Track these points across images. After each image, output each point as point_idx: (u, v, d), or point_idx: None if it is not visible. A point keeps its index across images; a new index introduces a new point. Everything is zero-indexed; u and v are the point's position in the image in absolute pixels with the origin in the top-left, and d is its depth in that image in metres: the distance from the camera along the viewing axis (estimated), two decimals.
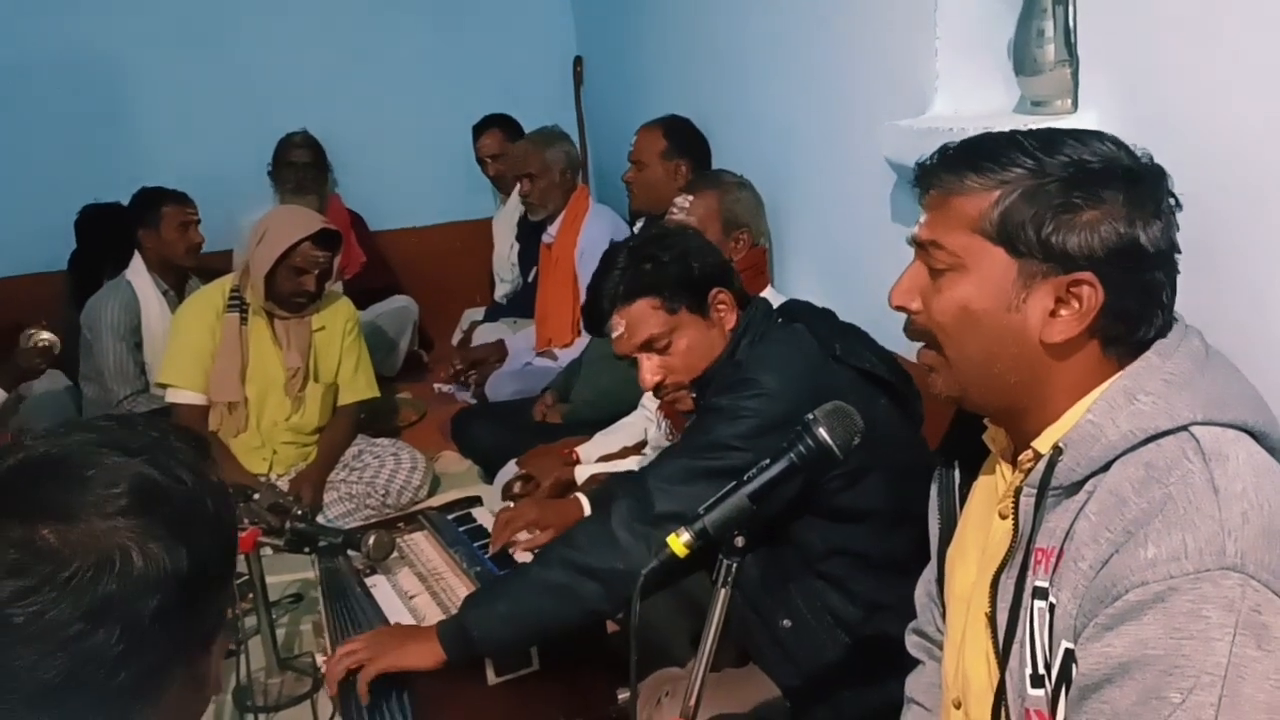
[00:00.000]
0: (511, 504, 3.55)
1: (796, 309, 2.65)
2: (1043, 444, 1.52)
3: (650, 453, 3.69)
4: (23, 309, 5.40)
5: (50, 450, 1.14)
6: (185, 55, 6.40)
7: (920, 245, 1.58)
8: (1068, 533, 1.44)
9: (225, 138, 6.40)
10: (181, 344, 4.55)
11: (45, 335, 4.48)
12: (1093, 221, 1.44)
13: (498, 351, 5.72)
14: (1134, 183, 1.46)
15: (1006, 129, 1.57)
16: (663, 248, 2.59)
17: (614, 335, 2.60)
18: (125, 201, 5.54)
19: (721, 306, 2.58)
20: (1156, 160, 1.50)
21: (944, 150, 1.57)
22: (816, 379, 2.35)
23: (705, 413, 2.48)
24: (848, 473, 2.38)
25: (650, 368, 2.59)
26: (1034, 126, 1.64)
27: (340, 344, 4.73)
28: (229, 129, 6.43)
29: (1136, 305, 1.47)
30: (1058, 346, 1.48)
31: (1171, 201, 1.48)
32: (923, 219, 1.58)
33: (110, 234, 5.55)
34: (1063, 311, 1.47)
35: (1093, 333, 1.47)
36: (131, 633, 1.10)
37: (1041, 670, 1.48)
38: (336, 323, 4.73)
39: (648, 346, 2.58)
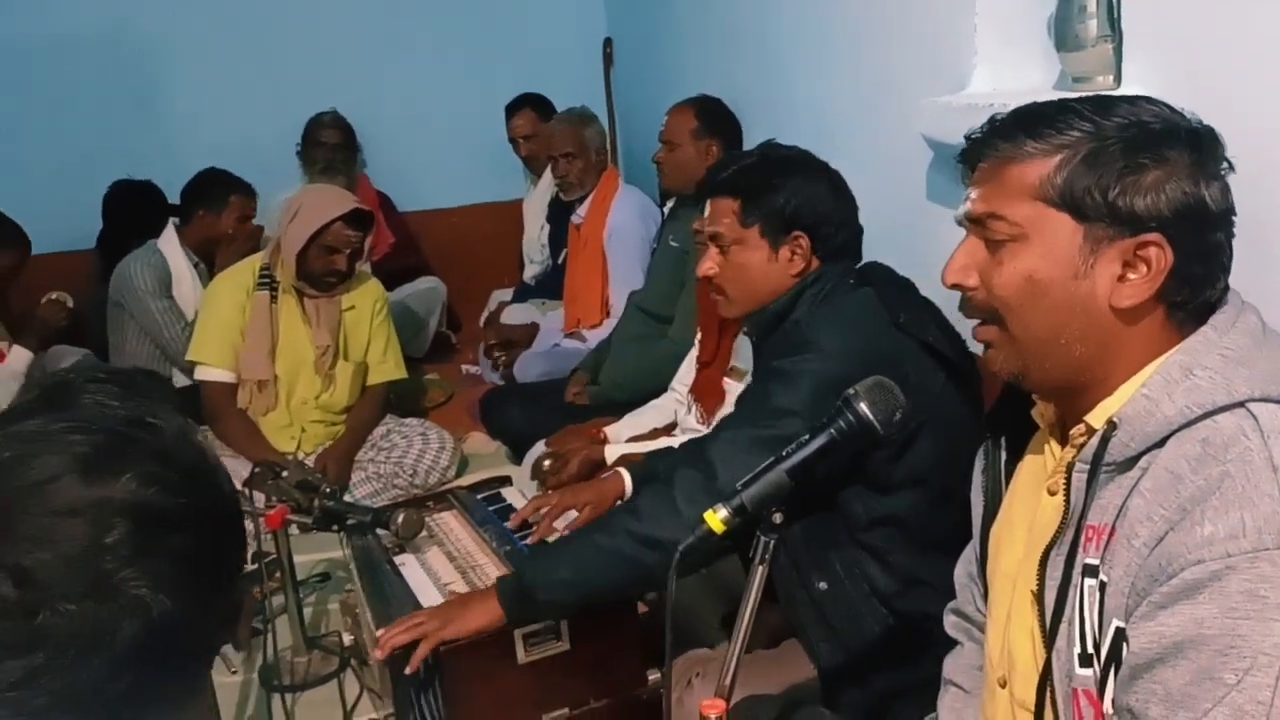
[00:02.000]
0: (543, 485, 3.53)
1: (873, 272, 2.64)
2: (1096, 419, 1.48)
3: (680, 434, 3.67)
4: (53, 284, 5.41)
5: (18, 489, 1.00)
6: (216, 34, 6.43)
7: (975, 220, 1.54)
8: (1120, 510, 1.41)
9: (255, 117, 6.40)
10: (211, 321, 4.54)
11: (61, 293, 4.83)
12: (1159, 181, 1.40)
13: (529, 333, 5.71)
14: (1196, 143, 1.42)
15: None
16: (784, 172, 2.61)
17: (701, 214, 2.71)
18: (156, 179, 5.54)
19: (796, 251, 2.58)
20: None
21: (993, 120, 1.54)
22: (876, 344, 2.35)
23: (763, 377, 2.48)
24: (898, 446, 2.36)
25: (709, 259, 2.66)
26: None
27: (370, 324, 4.72)
28: (259, 108, 6.43)
29: (1202, 267, 1.44)
30: (1126, 312, 1.44)
31: (1226, 164, 1.45)
32: (974, 193, 1.54)
33: (141, 211, 5.57)
34: (1131, 275, 1.43)
35: (1160, 297, 1.44)
36: (170, 659, 1.06)
37: (1090, 649, 1.45)
38: (366, 303, 4.71)
39: (715, 239, 2.64)
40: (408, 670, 2.42)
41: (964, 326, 1.65)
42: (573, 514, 2.92)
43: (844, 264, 2.63)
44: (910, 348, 2.38)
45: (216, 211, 5.28)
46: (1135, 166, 1.40)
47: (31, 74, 6.18)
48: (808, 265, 2.58)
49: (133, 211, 5.68)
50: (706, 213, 2.66)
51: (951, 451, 2.35)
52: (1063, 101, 1.50)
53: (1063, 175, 1.43)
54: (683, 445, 3.00)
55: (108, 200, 5.85)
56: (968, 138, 1.57)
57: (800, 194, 2.57)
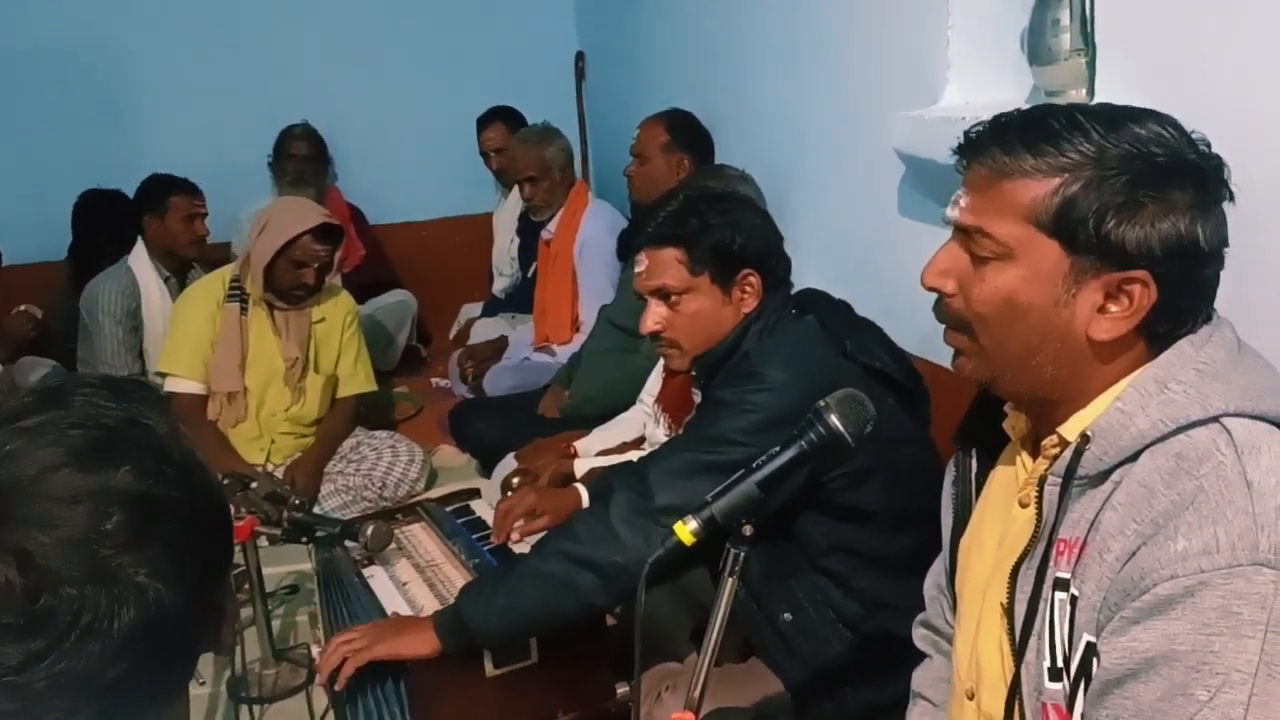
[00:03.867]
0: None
1: (812, 299, 2.62)
2: (1069, 431, 1.48)
3: (648, 448, 3.65)
4: (23, 297, 5.40)
5: (19, 478, 1.03)
6: (187, 45, 6.39)
7: (963, 230, 1.51)
8: (1093, 523, 1.40)
9: (226, 128, 6.38)
10: (181, 333, 4.50)
11: (30, 306, 4.81)
12: (1153, 217, 1.37)
13: (499, 348, 5.69)
14: (1201, 181, 1.39)
15: None
16: (717, 210, 2.55)
17: (636, 269, 2.60)
18: (126, 191, 5.50)
19: (746, 290, 2.54)
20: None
21: (997, 121, 1.49)
22: (824, 375, 2.30)
23: (709, 405, 2.45)
24: (852, 472, 2.36)
25: (655, 314, 2.59)
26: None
27: (340, 337, 4.69)
28: (230, 120, 6.41)
29: (1186, 302, 1.42)
30: (1103, 344, 1.43)
31: (1226, 195, 1.42)
32: (964, 200, 1.50)
33: (112, 220, 5.53)
34: (1112, 308, 1.41)
35: (1139, 330, 1.42)
36: (158, 654, 1.06)
37: (1060, 663, 1.44)
38: (337, 315, 4.68)
39: (660, 293, 2.57)
40: (336, 687, 2.42)
41: (934, 333, 1.63)
42: (541, 521, 2.91)
43: (782, 293, 2.62)
44: (857, 374, 2.36)
45: (160, 215, 5.20)
46: (1133, 204, 1.37)
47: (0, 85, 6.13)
48: (758, 300, 2.55)
49: (104, 220, 5.64)
50: (643, 267, 2.59)
51: (906, 473, 2.36)
52: (1071, 114, 1.44)
53: (1057, 201, 1.40)
54: (623, 465, 2.99)
55: (77, 210, 5.81)
56: (967, 134, 1.51)
57: (741, 228, 2.54)
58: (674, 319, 2.56)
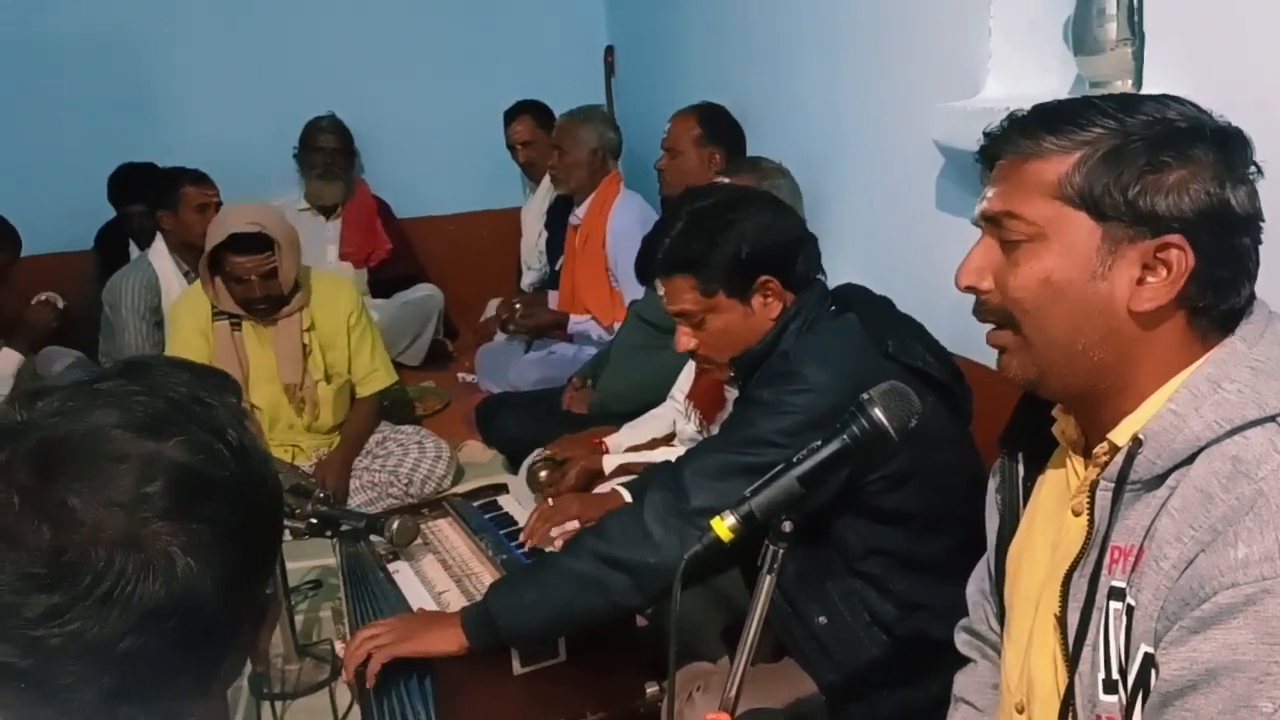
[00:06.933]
0: (540, 494, 3.49)
1: (852, 295, 2.57)
2: (1120, 435, 1.43)
3: (679, 445, 3.62)
4: (47, 287, 5.39)
5: (72, 433, 1.03)
6: (212, 35, 6.40)
7: (991, 219, 1.48)
8: (1148, 530, 1.36)
9: (252, 119, 6.37)
10: (181, 347, 4.36)
11: (51, 295, 4.84)
12: (1182, 181, 1.35)
13: (556, 317, 5.61)
14: (1223, 143, 1.37)
15: None
16: (722, 222, 2.47)
17: (659, 294, 2.57)
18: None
19: (769, 294, 2.47)
20: None
21: (1014, 116, 1.48)
22: (865, 376, 2.24)
23: (748, 405, 2.41)
24: (892, 475, 2.32)
25: (685, 334, 2.55)
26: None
27: (347, 339, 4.53)
28: (256, 111, 6.40)
29: (1226, 271, 1.38)
30: (1146, 316, 1.39)
31: (1255, 168, 1.39)
32: (990, 191, 1.48)
33: (148, 191, 5.48)
34: (1150, 278, 1.38)
35: (1181, 302, 1.38)
36: (185, 640, 1.03)
37: (1115, 675, 1.39)
38: (335, 317, 4.51)
39: (682, 317, 2.53)
40: (368, 685, 2.39)
41: (974, 330, 1.59)
42: (573, 524, 2.87)
43: (818, 288, 2.56)
44: (899, 375, 2.30)
45: (173, 208, 5.14)
46: (1158, 165, 1.35)
47: (27, 74, 6.15)
48: (784, 302, 2.50)
49: (141, 192, 5.58)
50: (662, 293, 2.55)
51: (946, 475, 2.33)
52: (1086, 99, 1.46)
53: (1082, 173, 1.38)
54: (661, 464, 2.95)
55: (113, 183, 5.81)
56: (987, 134, 1.51)
57: (747, 235, 2.46)
58: (703, 337, 2.53)
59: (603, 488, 3.46)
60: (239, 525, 1.07)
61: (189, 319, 4.37)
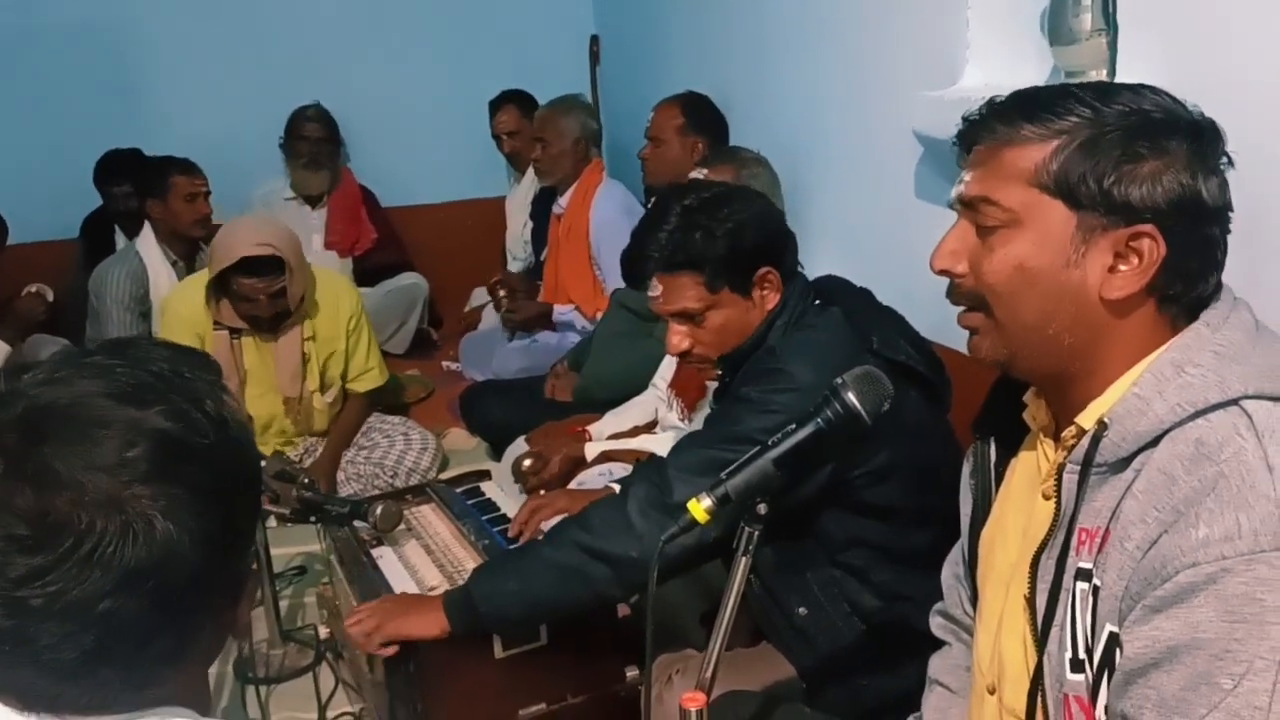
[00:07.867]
0: (523, 483, 3.51)
1: (834, 288, 2.55)
2: (1087, 419, 1.45)
3: (660, 432, 3.64)
4: (33, 275, 5.38)
5: (56, 401, 1.07)
6: (199, 23, 6.37)
7: (967, 203, 1.50)
8: (1114, 512, 1.38)
9: (237, 108, 6.34)
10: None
11: (41, 286, 4.83)
12: (1155, 172, 1.37)
13: (542, 309, 5.60)
14: (1197, 135, 1.39)
15: None
16: (718, 217, 2.42)
17: (650, 294, 2.49)
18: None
19: (766, 286, 2.45)
20: None
21: (992, 102, 1.50)
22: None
23: (734, 402, 2.40)
24: (876, 469, 2.32)
25: (679, 334, 2.49)
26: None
27: (345, 343, 4.50)
28: (241, 98, 6.38)
29: (1196, 261, 1.40)
30: (1116, 303, 1.41)
31: (1226, 159, 1.42)
32: (967, 175, 1.50)
33: (135, 175, 5.47)
34: (1122, 266, 1.40)
35: (1151, 290, 1.40)
36: (163, 602, 1.06)
37: (1082, 655, 1.42)
38: (336, 323, 4.47)
39: (681, 316, 2.47)
40: (382, 658, 2.42)
41: (953, 319, 1.61)
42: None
43: (799, 281, 2.53)
44: (882, 370, 2.31)
45: (161, 197, 5.09)
46: (1132, 155, 1.37)
47: (12, 63, 6.12)
48: (780, 293, 2.48)
49: (126, 174, 5.58)
50: (657, 292, 2.47)
51: (928, 469, 2.33)
52: (1063, 86, 1.47)
53: (1058, 161, 1.40)
54: (647, 460, 2.96)
55: (98, 168, 5.78)
56: (965, 119, 1.52)
57: (747, 225, 2.43)
58: (701, 334, 2.47)
59: (587, 474, 3.48)
60: (217, 491, 1.10)
61: (184, 321, 4.27)
